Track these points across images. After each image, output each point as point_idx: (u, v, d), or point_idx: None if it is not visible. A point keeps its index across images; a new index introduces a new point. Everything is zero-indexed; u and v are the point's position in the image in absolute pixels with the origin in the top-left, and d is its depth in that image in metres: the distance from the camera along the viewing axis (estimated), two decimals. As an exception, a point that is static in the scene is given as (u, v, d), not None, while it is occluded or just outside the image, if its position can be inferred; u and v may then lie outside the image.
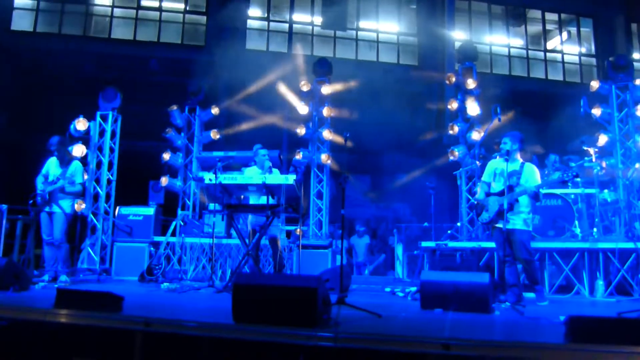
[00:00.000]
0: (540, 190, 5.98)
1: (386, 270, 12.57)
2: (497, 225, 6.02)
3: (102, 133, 9.51)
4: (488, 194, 6.19)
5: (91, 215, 9.21)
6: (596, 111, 8.67)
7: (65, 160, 7.06)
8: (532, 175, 6.01)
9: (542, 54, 18.12)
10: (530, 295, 6.21)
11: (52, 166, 7.08)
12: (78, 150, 8.78)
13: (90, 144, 9.30)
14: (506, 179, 6.01)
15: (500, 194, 6.00)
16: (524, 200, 5.97)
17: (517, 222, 5.96)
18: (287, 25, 16.94)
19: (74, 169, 7.01)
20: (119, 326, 3.98)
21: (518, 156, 6.19)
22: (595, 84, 8.90)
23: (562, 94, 14.21)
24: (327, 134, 10.16)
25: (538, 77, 17.68)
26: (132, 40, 15.93)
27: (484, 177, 6.40)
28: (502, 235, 5.90)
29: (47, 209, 6.86)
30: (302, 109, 10.35)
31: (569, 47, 18.43)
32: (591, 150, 8.34)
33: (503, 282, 6.31)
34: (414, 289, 6.47)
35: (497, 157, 6.55)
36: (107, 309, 4.15)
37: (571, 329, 3.36)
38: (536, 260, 6.21)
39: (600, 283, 7.06)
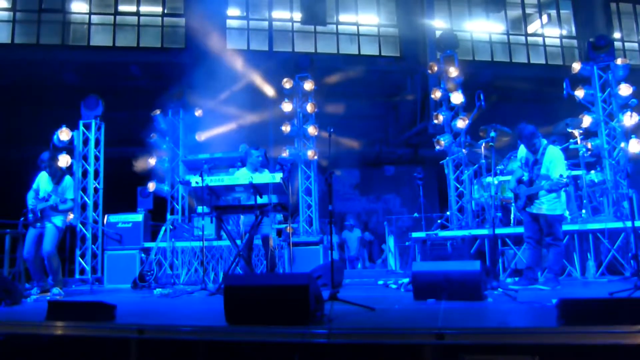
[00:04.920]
0: (563, 175, 5.81)
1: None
2: (527, 209, 6.15)
3: (86, 142, 9.44)
4: (520, 181, 6.25)
5: (80, 225, 9.14)
6: (579, 93, 8.69)
7: (57, 175, 6.89)
8: (552, 164, 5.95)
9: (523, 38, 18.17)
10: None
11: (42, 181, 6.90)
12: (63, 160, 8.70)
13: (74, 154, 9.23)
14: (530, 170, 6.12)
15: (527, 184, 6.14)
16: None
17: (544, 205, 6.02)
18: (266, 23, 16.85)
19: (65, 184, 6.85)
20: (113, 335, 3.90)
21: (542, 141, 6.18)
22: (576, 66, 8.91)
23: (545, 78, 14.28)
24: (312, 130, 10.15)
25: (520, 62, 17.74)
26: (112, 47, 15.76)
27: (516, 164, 6.52)
28: (528, 217, 6.14)
29: (38, 225, 6.71)
30: (286, 106, 10.32)
31: (549, 30, 18.49)
32: (576, 132, 8.37)
33: (495, 268, 6.33)
34: (406, 280, 6.45)
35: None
36: (99, 318, 4.08)
37: (563, 312, 3.33)
38: (561, 247, 6.14)
39: (591, 264, 7.12)
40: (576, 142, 8.28)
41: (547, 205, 5.99)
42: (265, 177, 6.71)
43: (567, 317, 3.30)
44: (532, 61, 17.83)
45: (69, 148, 9.11)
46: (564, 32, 18.47)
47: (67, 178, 6.97)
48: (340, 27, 17.28)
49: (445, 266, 5.23)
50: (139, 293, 7.34)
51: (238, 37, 16.63)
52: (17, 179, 7.37)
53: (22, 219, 6.78)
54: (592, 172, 8.31)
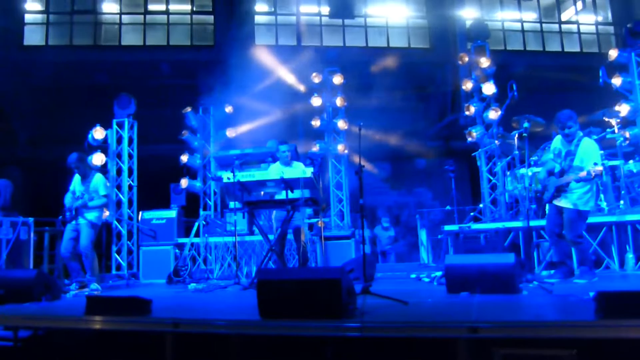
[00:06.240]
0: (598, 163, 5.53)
1: (411, 255, 12.51)
2: (554, 201, 5.96)
3: (119, 140, 9.59)
4: (551, 173, 6.07)
5: (115, 222, 9.32)
6: (616, 81, 8.41)
7: (87, 174, 7.06)
8: (586, 155, 5.72)
9: (556, 26, 17.75)
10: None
11: (77, 182, 7.10)
12: (97, 158, 8.85)
13: (108, 152, 9.38)
14: (563, 161, 5.92)
15: (557, 175, 5.94)
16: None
17: (569, 201, 5.82)
18: (294, 17, 16.88)
19: (95, 182, 7.00)
20: (149, 329, 3.98)
21: (578, 133, 5.95)
22: (613, 53, 8.61)
23: (580, 66, 13.93)
24: (342, 124, 10.14)
25: (554, 51, 17.34)
26: (142, 46, 16.02)
27: (548, 156, 6.31)
28: (554, 210, 5.94)
29: (74, 222, 6.86)
30: (316, 100, 10.32)
31: (584, 17, 17.98)
32: (613, 121, 8.13)
33: (530, 261, 6.20)
34: (439, 273, 6.38)
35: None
36: (136, 313, 4.14)
37: (601, 305, 3.22)
38: (584, 244, 5.94)
39: (630, 256, 6.91)
40: (613, 132, 8.04)
41: (577, 196, 5.76)
42: (296, 171, 6.74)
43: (606, 310, 3.20)
44: (566, 49, 17.41)
45: (103, 146, 9.27)
46: (600, 19, 17.94)
47: (97, 175, 7.11)
48: (368, 19, 17.19)
49: (478, 259, 5.16)
50: (173, 288, 7.44)
51: (266, 32, 16.70)
52: (54, 178, 7.56)
53: (60, 217, 6.97)
54: (631, 161, 8.04)
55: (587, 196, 5.81)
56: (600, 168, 5.44)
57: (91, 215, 6.91)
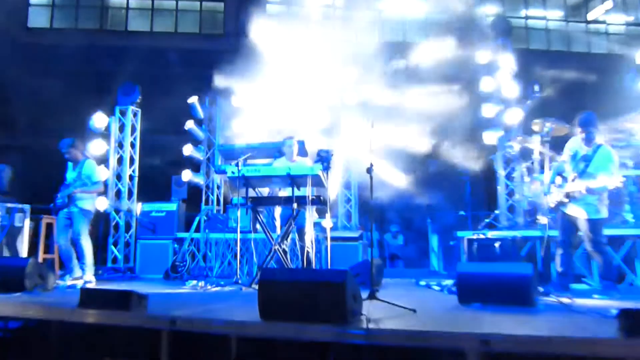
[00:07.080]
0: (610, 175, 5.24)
1: (421, 261, 12.22)
2: (562, 208, 5.66)
3: (121, 128, 9.41)
4: (561, 175, 5.75)
5: (113, 213, 9.09)
6: (644, 84, 8.12)
7: (78, 161, 6.89)
8: (603, 163, 5.40)
9: (583, 25, 17.40)
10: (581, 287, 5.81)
11: (69, 170, 6.98)
12: (98, 146, 8.67)
13: (110, 140, 9.17)
14: (576, 164, 5.59)
15: (566, 179, 5.64)
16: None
17: (583, 210, 5.50)
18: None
19: (86, 168, 6.84)
20: (144, 325, 3.94)
21: (598, 139, 5.61)
22: (642, 55, 8.35)
23: (606, 68, 13.54)
24: (354, 121, 9.86)
25: (579, 51, 17.00)
26: (149, 32, 15.87)
27: (562, 157, 5.91)
28: (563, 218, 5.64)
29: (65, 210, 6.73)
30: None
31: (613, 17, 17.66)
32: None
33: (547, 272, 5.87)
34: (450, 282, 6.21)
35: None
36: (131, 308, 4.08)
37: (625, 323, 3.09)
38: (608, 252, 5.63)
39: (655, 272, 6.59)
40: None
41: (590, 207, 5.45)
42: (304, 168, 6.42)
43: (629, 328, 3.05)
44: (592, 50, 17.01)
45: (104, 134, 9.07)
46: (630, 19, 17.52)
47: (88, 162, 6.93)
48: (384, 14, 16.90)
49: (493, 268, 4.95)
50: (170, 284, 7.31)
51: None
52: (54, 165, 7.36)
53: (51, 205, 6.84)
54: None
55: (596, 204, 5.48)
56: (612, 183, 5.18)
57: (83, 203, 6.74)
